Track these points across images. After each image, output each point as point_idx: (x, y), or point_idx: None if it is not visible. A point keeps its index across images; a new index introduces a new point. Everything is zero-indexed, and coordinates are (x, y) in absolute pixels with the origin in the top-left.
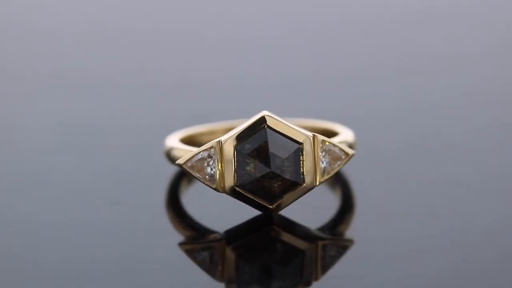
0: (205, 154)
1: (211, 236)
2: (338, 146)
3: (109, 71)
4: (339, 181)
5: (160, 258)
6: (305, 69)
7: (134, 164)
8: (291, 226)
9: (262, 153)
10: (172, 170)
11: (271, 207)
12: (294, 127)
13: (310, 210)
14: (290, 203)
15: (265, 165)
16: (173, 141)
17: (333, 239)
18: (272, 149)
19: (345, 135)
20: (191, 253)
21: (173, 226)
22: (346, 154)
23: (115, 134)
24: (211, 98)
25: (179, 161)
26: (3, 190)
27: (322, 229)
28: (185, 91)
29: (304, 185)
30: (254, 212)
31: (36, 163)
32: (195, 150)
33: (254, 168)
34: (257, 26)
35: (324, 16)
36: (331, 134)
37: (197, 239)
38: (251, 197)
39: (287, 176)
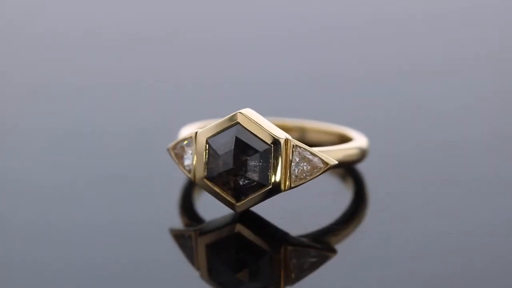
0: (184, 143)
1: (198, 226)
2: (317, 155)
3: (113, 74)
4: (351, 188)
5: (151, 240)
6: (323, 71)
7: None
8: (270, 228)
9: (227, 149)
10: None
11: (236, 204)
12: (267, 128)
13: (310, 213)
14: (256, 203)
15: (228, 161)
16: (187, 131)
17: (314, 247)
18: (237, 146)
19: (359, 141)
20: (178, 239)
21: (179, 214)
22: (326, 163)
23: (123, 135)
24: (223, 99)
25: (168, 146)
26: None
27: (308, 236)
28: (203, 92)
29: (270, 187)
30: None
31: (43, 166)
32: (180, 137)
33: (220, 163)
34: (270, 28)
35: (339, 19)
36: (345, 139)
37: (189, 227)
38: (218, 191)
39: (254, 176)
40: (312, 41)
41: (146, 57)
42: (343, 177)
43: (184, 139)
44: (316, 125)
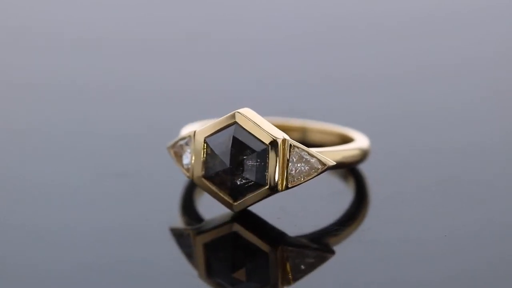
0: (184, 142)
1: (197, 225)
2: (315, 156)
3: (114, 74)
4: (352, 189)
5: (151, 239)
6: (325, 72)
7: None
8: (268, 228)
9: (225, 148)
10: None
11: (234, 203)
12: (265, 128)
13: (309, 214)
14: (253, 203)
15: (225, 161)
16: (188, 131)
17: (311, 248)
18: (234, 146)
19: (360, 141)
20: (177, 238)
21: (179, 213)
22: (323, 164)
23: (124, 134)
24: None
25: (167, 144)
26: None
27: (307, 236)
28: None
29: (267, 187)
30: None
31: (43, 166)
32: (179, 136)
33: (217, 162)
34: (272, 28)
35: (341, 19)
36: (347, 140)
37: (188, 226)
38: (216, 191)
39: (251, 176)
40: (314, 41)
41: (149, 57)
42: (344, 178)
43: (183, 138)
44: (317, 125)
